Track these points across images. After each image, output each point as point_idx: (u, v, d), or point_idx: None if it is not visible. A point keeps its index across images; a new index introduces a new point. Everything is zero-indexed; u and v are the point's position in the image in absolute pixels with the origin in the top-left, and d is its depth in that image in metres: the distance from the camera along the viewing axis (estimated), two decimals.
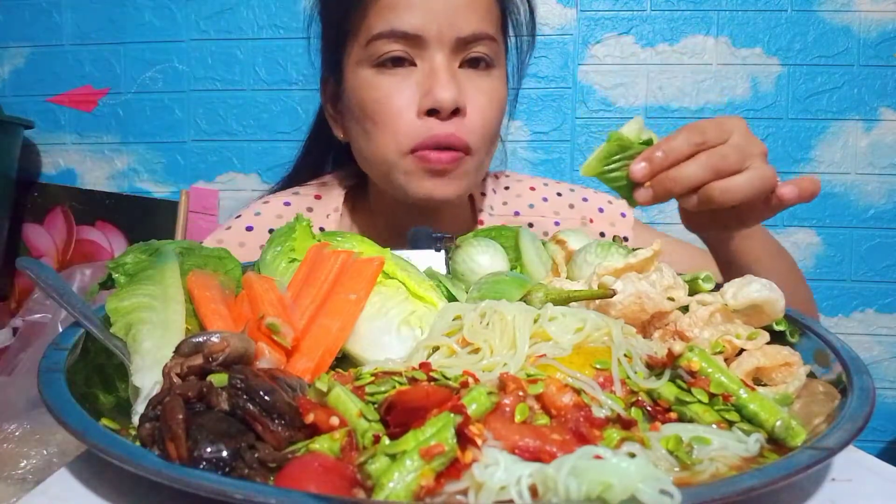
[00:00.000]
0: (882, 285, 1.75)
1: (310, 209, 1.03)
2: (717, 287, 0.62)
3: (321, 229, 0.98)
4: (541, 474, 0.36)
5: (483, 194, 1.11)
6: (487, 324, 0.53)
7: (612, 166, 0.70)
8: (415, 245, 0.79)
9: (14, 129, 1.75)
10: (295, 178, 1.12)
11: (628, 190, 0.71)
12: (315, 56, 1.03)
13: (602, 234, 1.07)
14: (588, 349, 0.50)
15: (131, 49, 1.82)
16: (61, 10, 1.82)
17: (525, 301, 0.60)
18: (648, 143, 0.71)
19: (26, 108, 1.83)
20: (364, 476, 0.37)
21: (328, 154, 1.13)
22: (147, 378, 0.49)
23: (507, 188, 1.13)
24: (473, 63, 0.90)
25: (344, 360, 0.58)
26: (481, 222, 1.07)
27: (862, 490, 0.42)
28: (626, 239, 1.07)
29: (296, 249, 0.66)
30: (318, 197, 1.05)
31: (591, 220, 1.09)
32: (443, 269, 0.75)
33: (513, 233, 0.80)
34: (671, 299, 0.59)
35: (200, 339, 0.48)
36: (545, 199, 1.11)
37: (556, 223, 1.08)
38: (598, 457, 0.36)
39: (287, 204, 1.03)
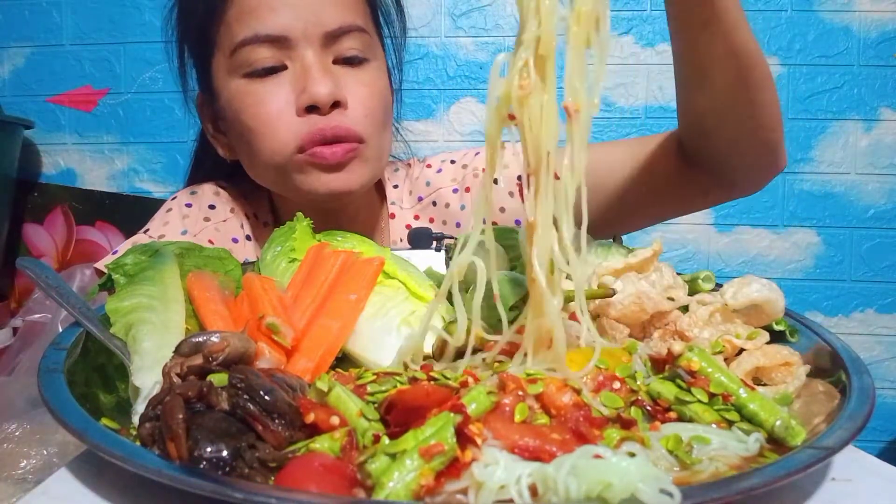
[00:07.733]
0: (882, 285, 1.75)
1: (224, 220, 1.02)
2: (717, 287, 0.62)
3: (233, 240, 0.98)
4: (540, 474, 0.36)
5: (395, 186, 1.08)
6: None
7: None
8: (415, 245, 0.79)
9: (14, 129, 1.75)
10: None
11: None
12: (179, 77, 0.99)
13: (496, 181, 1.04)
14: (588, 349, 0.50)
15: (131, 49, 1.82)
16: (61, 10, 1.82)
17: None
18: None
19: (26, 108, 1.83)
20: (364, 475, 0.37)
21: (216, 176, 1.07)
22: (147, 378, 0.49)
23: (416, 177, 1.10)
24: (348, 61, 0.88)
25: (344, 360, 0.58)
26: (392, 216, 1.05)
27: (862, 490, 0.42)
28: (520, 177, 1.03)
29: (296, 249, 0.66)
30: (232, 210, 1.04)
31: (485, 170, 1.07)
32: (443, 269, 0.75)
33: (513, 233, 0.80)
34: (671, 299, 0.59)
35: (200, 339, 0.48)
36: (440, 171, 1.08)
37: (454, 190, 1.05)
38: (597, 456, 0.36)
39: (206, 220, 1.02)
